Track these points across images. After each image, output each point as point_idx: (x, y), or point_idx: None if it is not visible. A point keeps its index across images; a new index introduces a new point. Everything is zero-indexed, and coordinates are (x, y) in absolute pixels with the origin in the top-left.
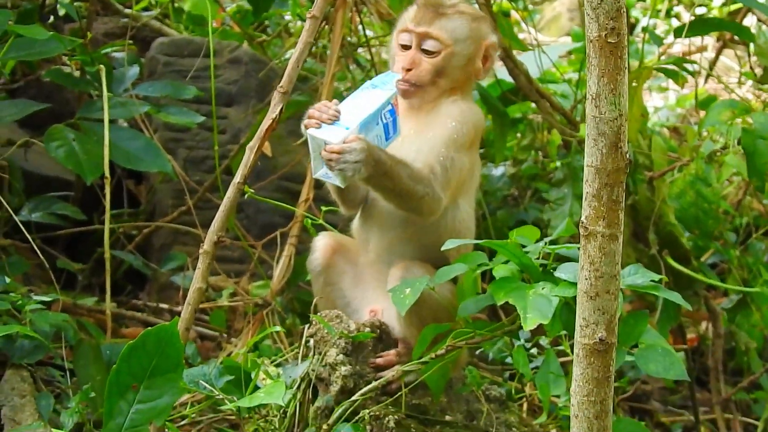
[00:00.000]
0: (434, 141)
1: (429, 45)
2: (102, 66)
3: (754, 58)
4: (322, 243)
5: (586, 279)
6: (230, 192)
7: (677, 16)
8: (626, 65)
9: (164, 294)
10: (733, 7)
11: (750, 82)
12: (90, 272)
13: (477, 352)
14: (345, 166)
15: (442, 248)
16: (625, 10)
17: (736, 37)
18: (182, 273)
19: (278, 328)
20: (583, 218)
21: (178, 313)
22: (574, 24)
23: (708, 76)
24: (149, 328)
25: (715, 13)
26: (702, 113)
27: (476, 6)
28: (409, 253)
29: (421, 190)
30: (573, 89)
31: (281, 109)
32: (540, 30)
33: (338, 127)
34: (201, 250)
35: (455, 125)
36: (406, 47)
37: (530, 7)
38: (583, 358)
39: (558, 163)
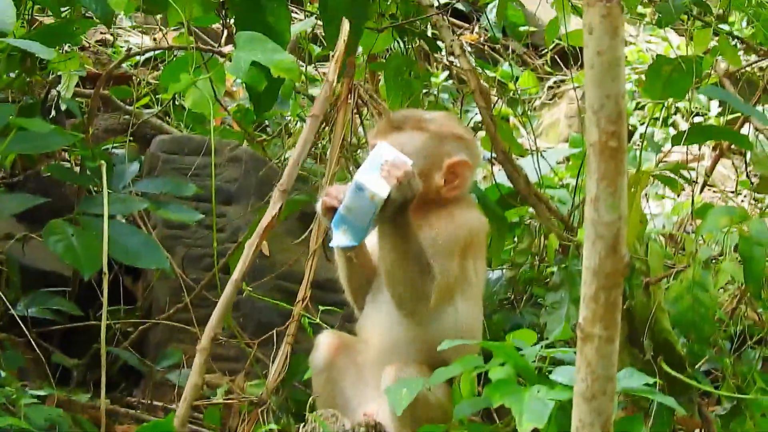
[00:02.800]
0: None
1: None
2: (103, 162)
3: (750, 168)
4: (326, 341)
5: (583, 381)
6: (228, 289)
7: (674, 125)
8: (626, 169)
9: (159, 391)
10: (729, 116)
11: (746, 191)
12: (85, 368)
13: None
14: (415, 183)
15: (439, 348)
16: (625, 114)
17: (733, 147)
18: (178, 371)
19: (273, 426)
20: (580, 320)
21: (173, 411)
22: (572, 130)
23: (705, 184)
24: (144, 424)
25: (712, 122)
26: (698, 221)
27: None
28: (410, 354)
29: (418, 278)
30: (570, 194)
31: (281, 206)
32: (538, 136)
33: None
34: (198, 347)
35: (437, 233)
36: None
37: (529, 113)
38: None
39: (555, 268)
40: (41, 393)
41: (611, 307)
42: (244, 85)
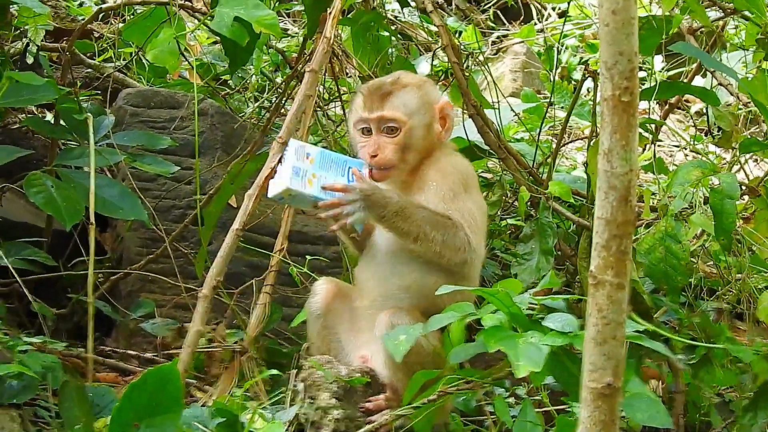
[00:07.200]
0: (431, 203)
1: (388, 126)
2: (89, 115)
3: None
4: (323, 287)
5: (594, 326)
6: (229, 238)
7: None
8: (637, 123)
9: (132, 340)
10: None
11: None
12: (56, 317)
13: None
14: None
15: (437, 293)
16: (637, 71)
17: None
18: (150, 320)
19: (268, 373)
20: (592, 267)
21: (146, 360)
22: (516, 85)
23: (654, 140)
24: (151, 368)
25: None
26: (660, 175)
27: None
28: (405, 301)
29: (444, 235)
30: (540, 148)
31: (280, 158)
32: (483, 90)
33: None
34: (200, 294)
35: (436, 184)
36: (365, 134)
37: (472, 68)
38: (590, 401)
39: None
40: (36, 341)
41: (622, 256)
42: (220, 39)
